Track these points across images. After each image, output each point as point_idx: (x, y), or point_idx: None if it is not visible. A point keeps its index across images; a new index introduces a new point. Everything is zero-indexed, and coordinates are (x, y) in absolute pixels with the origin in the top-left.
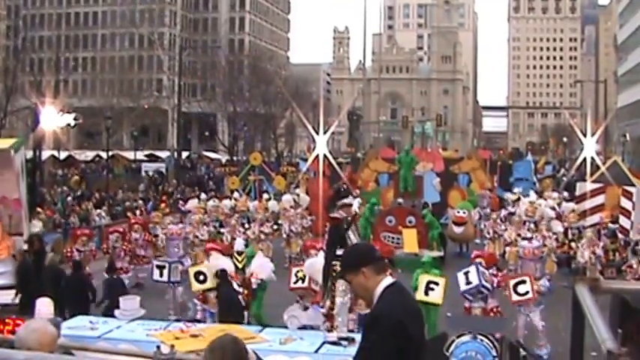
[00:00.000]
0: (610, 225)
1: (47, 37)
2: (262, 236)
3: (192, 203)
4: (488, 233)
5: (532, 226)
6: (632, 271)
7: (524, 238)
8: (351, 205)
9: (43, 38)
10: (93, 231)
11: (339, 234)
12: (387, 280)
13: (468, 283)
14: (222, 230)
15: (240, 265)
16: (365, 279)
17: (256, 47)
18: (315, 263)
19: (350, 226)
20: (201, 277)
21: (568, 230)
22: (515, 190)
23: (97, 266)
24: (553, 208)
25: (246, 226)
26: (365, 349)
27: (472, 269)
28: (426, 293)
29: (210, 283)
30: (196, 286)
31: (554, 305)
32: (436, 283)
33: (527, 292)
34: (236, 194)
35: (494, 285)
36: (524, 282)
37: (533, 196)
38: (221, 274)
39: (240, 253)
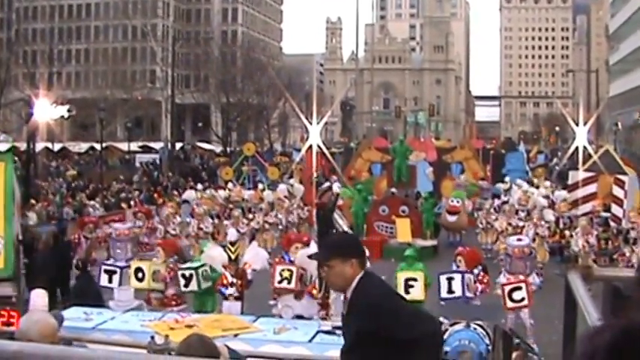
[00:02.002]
0: (602, 213)
1: (40, 30)
2: (267, 226)
3: (189, 194)
4: (481, 223)
5: (523, 215)
6: (624, 259)
7: (515, 227)
8: (330, 189)
9: (36, 30)
10: (99, 219)
11: (325, 219)
12: (362, 273)
13: (450, 292)
14: (225, 222)
15: (233, 256)
16: (351, 270)
17: (249, 38)
18: (308, 253)
19: (334, 209)
20: (140, 275)
21: (559, 219)
22: (507, 179)
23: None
24: (546, 197)
25: (250, 216)
26: (371, 334)
27: (457, 277)
28: (407, 291)
29: (146, 283)
30: (134, 283)
31: (546, 293)
32: (415, 279)
33: (522, 299)
34: (230, 185)
35: (478, 292)
36: (519, 288)
37: (526, 185)
38: (82, 265)
39: (233, 244)
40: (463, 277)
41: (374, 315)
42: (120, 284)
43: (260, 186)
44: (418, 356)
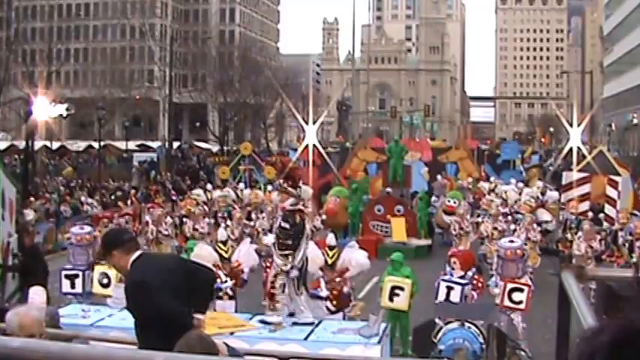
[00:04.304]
0: (572, 216)
1: (39, 29)
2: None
3: (198, 193)
4: (454, 229)
5: (509, 218)
6: (613, 260)
7: (501, 231)
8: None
9: (35, 29)
10: (114, 213)
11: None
12: (134, 256)
13: (447, 300)
14: (228, 223)
15: (225, 255)
16: (116, 259)
17: (246, 38)
18: (309, 253)
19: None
20: (105, 280)
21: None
22: (492, 178)
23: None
24: (537, 198)
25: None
26: (132, 311)
27: (457, 289)
28: (391, 299)
29: (111, 290)
30: (97, 289)
31: (540, 293)
32: (401, 288)
33: (520, 302)
34: (241, 185)
35: (474, 300)
36: (521, 290)
37: (505, 186)
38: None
39: (224, 243)
40: (463, 290)
41: (133, 295)
42: (83, 288)
43: (269, 187)
44: (169, 330)
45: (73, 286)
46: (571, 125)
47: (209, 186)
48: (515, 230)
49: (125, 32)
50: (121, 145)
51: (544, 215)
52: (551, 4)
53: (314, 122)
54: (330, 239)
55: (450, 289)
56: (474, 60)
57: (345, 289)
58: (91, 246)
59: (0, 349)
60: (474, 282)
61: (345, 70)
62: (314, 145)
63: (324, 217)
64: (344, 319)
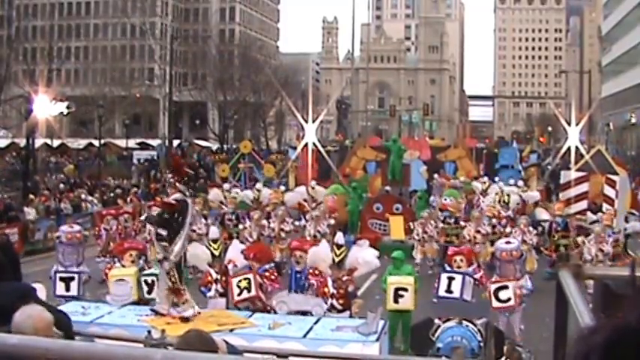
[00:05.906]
0: (558, 218)
1: (40, 27)
2: (283, 234)
3: (215, 193)
4: (417, 234)
5: (494, 221)
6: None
7: (484, 235)
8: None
9: (36, 28)
10: (119, 210)
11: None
12: None
13: (449, 291)
14: (247, 224)
15: (217, 253)
16: None
17: (246, 37)
18: (319, 252)
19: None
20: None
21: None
22: (485, 179)
23: (92, 252)
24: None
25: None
26: None
27: (458, 278)
28: (396, 301)
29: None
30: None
31: (537, 291)
32: (405, 289)
33: (509, 299)
34: (258, 185)
35: (483, 282)
36: (505, 287)
37: (496, 187)
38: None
39: (215, 241)
40: (464, 279)
41: None
42: (79, 292)
43: (282, 187)
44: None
45: (67, 288)
46: (569, 124)
47: (226, 185)
48: (511, 233)
49: (126, 31)
50: (121, 143)
51: (542, 215)
52: (549, 3)
53: (313, 121)
54: (339, 238)
55: (451, 279)
56: (472, 59)
57: (351, 288)
58: (81, 244)
59: (0, 346)
60: (475, 271)
61: (344, 69)
62: (313, 144)
63: (332, 221)
64: (350, 316)
